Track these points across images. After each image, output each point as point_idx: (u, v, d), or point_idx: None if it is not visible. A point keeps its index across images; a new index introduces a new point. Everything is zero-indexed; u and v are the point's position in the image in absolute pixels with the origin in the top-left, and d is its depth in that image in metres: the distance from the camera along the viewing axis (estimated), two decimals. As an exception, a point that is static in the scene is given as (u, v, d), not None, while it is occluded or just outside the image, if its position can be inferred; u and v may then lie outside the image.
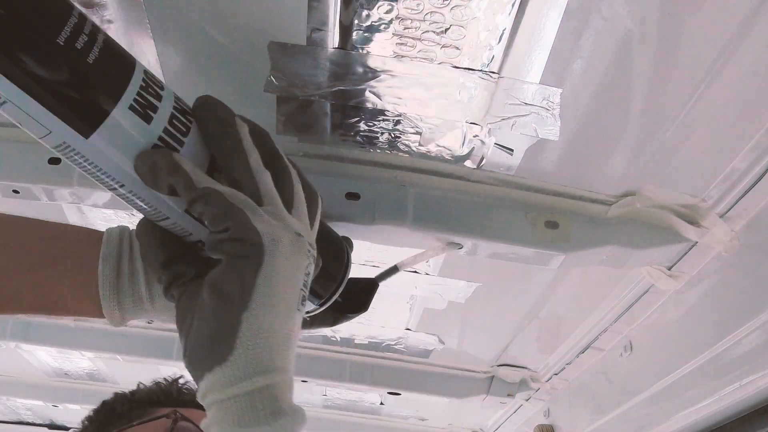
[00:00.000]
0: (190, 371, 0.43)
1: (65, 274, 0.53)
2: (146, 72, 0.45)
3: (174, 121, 0.44)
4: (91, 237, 0.55)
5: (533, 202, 0.73)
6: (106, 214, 0.90)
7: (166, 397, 0.89)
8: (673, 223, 0.72)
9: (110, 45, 0.42)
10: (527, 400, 1.35)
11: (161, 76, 0.66)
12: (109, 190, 0.45)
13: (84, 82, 0.40)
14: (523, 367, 1.30)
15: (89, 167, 0.43)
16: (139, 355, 1.34)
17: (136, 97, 0.42)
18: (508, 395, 1.33)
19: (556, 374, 1.23)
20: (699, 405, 0.81)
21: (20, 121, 0.40)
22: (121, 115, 0.41)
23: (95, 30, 0.41)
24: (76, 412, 1.82)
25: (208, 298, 0.42)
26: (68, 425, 1.99)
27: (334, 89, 0.64)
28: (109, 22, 0.60)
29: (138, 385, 0.93)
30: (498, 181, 0.73)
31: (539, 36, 0.56)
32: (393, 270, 0.64)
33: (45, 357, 1.51)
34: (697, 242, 0.74)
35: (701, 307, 0.81)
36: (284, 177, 0.49)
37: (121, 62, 0.43)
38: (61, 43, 0.38)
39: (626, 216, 0.73)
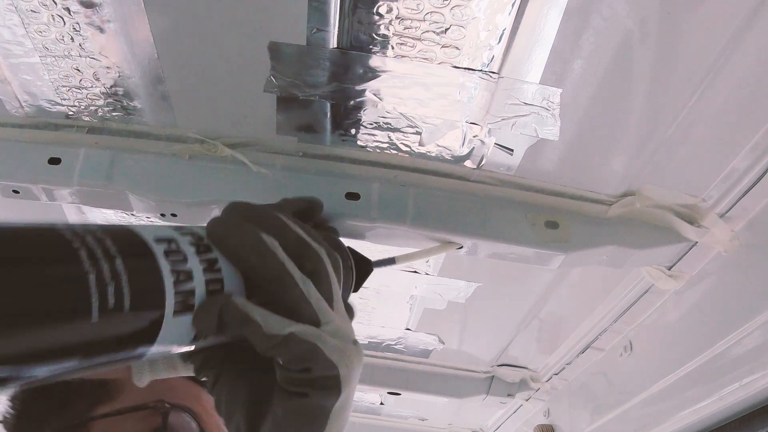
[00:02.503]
0: None
1: None
2: (166, 252, 0.39)
3: (209, 286, 0.41)
4: None
5: (533, 202, 0.73)
6: (107, 214, 0.90)
7: None
8: (673, 223, 0.72)
9: (131, 266, 0.36)
10: (527, 400, 1.35)
11: (162, 77, 0.66)
12: None
13: (132, 329, 0.36)
14: (523, 367, 1.30)
15: None
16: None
17: (175, 301, 0.39)
18: (508, 395, 1.33)
19: (556, 374, 1.23)
20: (699, 405, 0.81)
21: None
22: (170, 326, 0.39)
23: (112, 266, 0.35)
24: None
25: (286, 424, 0.43)
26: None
27: (334, 89, 0.64)
28: (109, 22, 0.60)
29: None
30: (498, 181, 0.73)
31: (539, 36, 0.56)
32: (390, 261, 0.63)
33: (45, 357, 1.50)
34: (697, 242, 0.74)
35: (701, 307, 0.81)
36: (320, 273, 0.45)
37: (150, 276, 0.38)
38: (96, 320, 0.34)
39: (626, 216, 0.73)
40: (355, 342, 0.45)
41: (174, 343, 0.40)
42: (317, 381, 0.42)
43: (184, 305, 0.39)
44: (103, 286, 0.34)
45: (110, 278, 0.34)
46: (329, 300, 0.45)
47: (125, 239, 0.38)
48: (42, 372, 0.33)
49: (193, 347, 0.42)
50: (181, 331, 0.40)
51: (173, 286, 0.38)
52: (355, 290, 0.59)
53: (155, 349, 0.39)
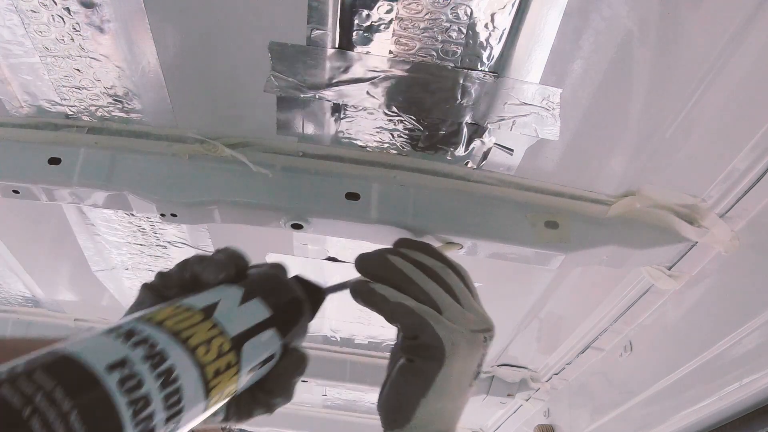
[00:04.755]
0: (381, 418, 0.54)
1: None
2: (121, 380, 0.39)
3: (168, 401, 0.42)
4: None
5: (533, 202, 0.73)
6: (107, 214, 0.90)
7: None
8: (673, 223, 0.72)
9: (86, 416, 0.36)
10: (527, 400, 1.35)
11: (161, 76, 0.66)
12: None
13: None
14: (523, 367, 1.30)
15: None
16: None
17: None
18: (508, 395, 1.33)
19: (556, 374, 1.23)
20: (699, 405, 0.81)
21: None
22: None
23: (67, 424, 0.35)
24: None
25: (398, 379, 0.53)
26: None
27: (334, 89, 0.64)
28: (109, 21, 0.60)
29: None
30: (498, 181, 0.73)
31: (539, 36, 0.56)
32: (343, 285, 0.60)
33: (45, 357, 1.50)
34: (697, 242, 0.74)
35: (701, 307, 0.81)
36: (448, 279, 0.56)
37: (108, 421, 0.38)
38: None
39: (626, 216, 0.73)
40: (474, 332, 0.54)
41: None
42: (421, 348, 0.52)
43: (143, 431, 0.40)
44: None
45: None
46: (456, 298, 0.55)
47: (77, 382, 0.36)
48: None
49: None
50: None
51: (132, 419, 0.38)
52: (311, 317, 0.57)
53: None
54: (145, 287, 0.52)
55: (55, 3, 0.59)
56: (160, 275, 0.51)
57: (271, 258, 0.96)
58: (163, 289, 0.51)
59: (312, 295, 0.56)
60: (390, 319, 0.53)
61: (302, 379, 0.54)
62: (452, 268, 0.58)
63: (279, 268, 0.56)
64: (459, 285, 0.57)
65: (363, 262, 0.57)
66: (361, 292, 0.55)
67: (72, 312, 1.26)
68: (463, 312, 0.55)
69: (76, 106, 0.72)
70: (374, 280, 0.55)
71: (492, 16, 0.55)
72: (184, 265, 0.51)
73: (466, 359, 0.53)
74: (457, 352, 0.52)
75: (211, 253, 0.52)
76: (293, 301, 0.54)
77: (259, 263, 0.56)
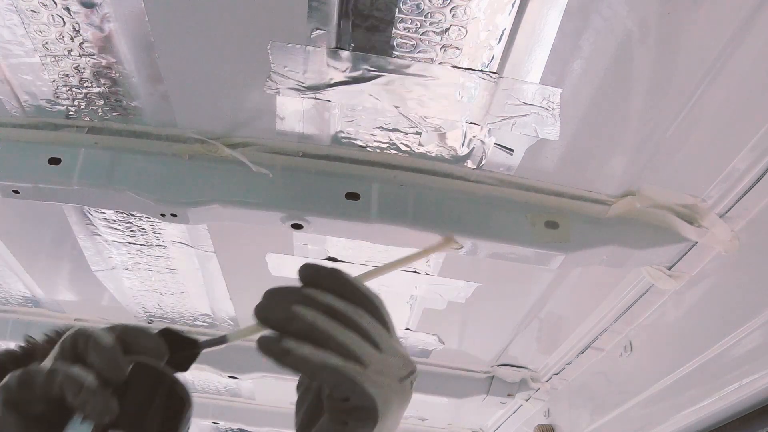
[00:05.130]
0: None
1: None
2: None
3: None
4: None
5: (533, 202, 0.73)
6: (107, 214, 0.90)
7: None
8: (673, 223, 0.72)
9: None
10: (527, 400, 1.35)
11: (161, 77, 0.66)
12: None
13: None
14: (523, 367, 1.30)
15: None
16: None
17: None
18: (508, 395, 1.33)
19: (556, 374, 1.23)
20: (699, 405, 0.81)
21: None
22: None
23: None
24: (76, 412, 1.82)
25: None
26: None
27: (334, 89, 0.64)
28: (109, 21, 0.60)
29: None
30: (498, 181, 0.73)
31: (539, 36, 0.56)
32: (221, 340, 0.58)
33: (45, 357, 1.50)
34: (697, 242, 0.74)
35: (701, 307, 0.81)
36: (363, 323, 0.51)
37: None
38: None
39: (626, 216, 0.73)
40: (402, 380, 0.51)
41: None
42: (354, 411, 0.48)
43: None
44: None
45: None
46: (373, 342, 0.50)
47: None
48: None
49: None
50: None
51: None
52: (185, 369, 0.55)
53: None
54: (6, 405, 0.43)
55: (55, 3, 0.59)
56: (20, 386, 0.43)
57: (270, 259, 0.96)
58: (26, 404, 0.43)
59: (185, 350, 0.52)
60: (311, 378, 0.49)
61: None
62: (364, 305, 0.52)
63: (156, 353, 0.48)
64: (375, 327, 0.51)
65: (265, 313, 0.49)
66: (274, 352, 0.47)
67: (72, 312, 1.26)
68: (386, 360, 0.50)
69: (76, 106, 0.72)
70: (283, 334, 0.48)
71: (492, 16, 0.55)
72: (51, 378, 0.42)
73: (398, 412, 0.51)
74: (389, 408, 0.49)
75: (76, 371, 0.42)
76: (181, 406, 0.49)
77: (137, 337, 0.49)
